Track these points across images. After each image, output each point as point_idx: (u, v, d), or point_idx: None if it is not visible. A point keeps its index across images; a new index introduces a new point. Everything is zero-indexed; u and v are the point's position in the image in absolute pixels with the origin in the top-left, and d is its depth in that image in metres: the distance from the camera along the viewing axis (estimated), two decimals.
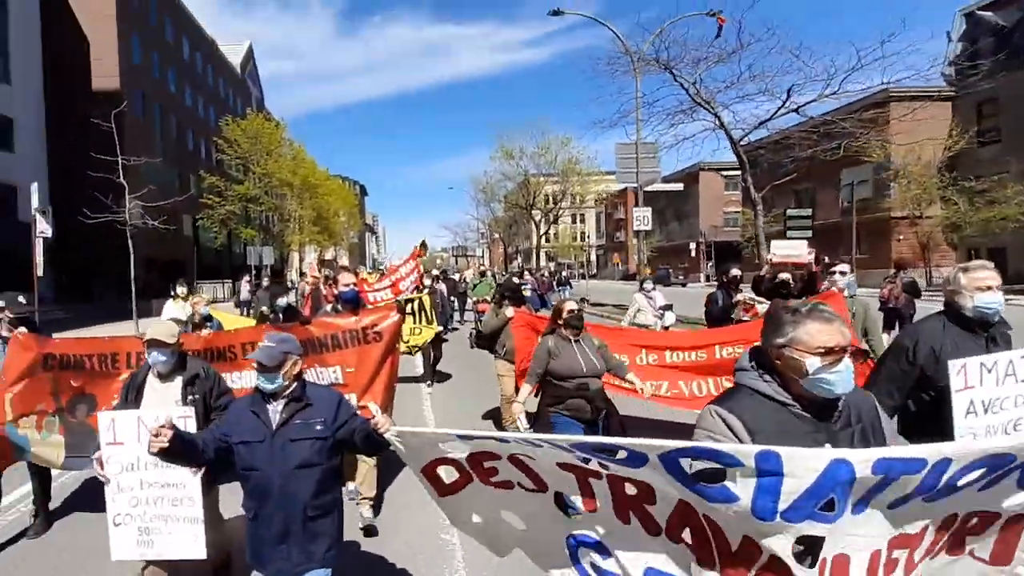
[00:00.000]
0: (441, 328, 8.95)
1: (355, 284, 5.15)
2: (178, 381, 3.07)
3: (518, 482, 1.83)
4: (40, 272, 14.22)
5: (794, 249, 6.66)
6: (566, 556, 1.80)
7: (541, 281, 19.47)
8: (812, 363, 1.51)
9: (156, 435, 2.04)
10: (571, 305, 4.02)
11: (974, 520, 1.48)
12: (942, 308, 2.67)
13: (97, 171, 17.67)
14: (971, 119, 24.20)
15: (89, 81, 28.42)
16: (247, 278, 10.54)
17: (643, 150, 16.45)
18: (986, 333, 2.55)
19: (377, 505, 4.21)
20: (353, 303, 4.64)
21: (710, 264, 43.31)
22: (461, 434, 1.82)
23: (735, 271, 6.64)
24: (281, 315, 6.69)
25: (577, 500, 1.74)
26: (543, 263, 42.44)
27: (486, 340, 5.95)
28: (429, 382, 8.56)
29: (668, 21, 15.92)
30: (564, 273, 29.75)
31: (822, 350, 1.51)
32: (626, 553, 1.66)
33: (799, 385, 1.56)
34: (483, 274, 15.69)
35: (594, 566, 1.72)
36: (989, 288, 2.48)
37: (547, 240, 63.52)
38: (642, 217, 16.28)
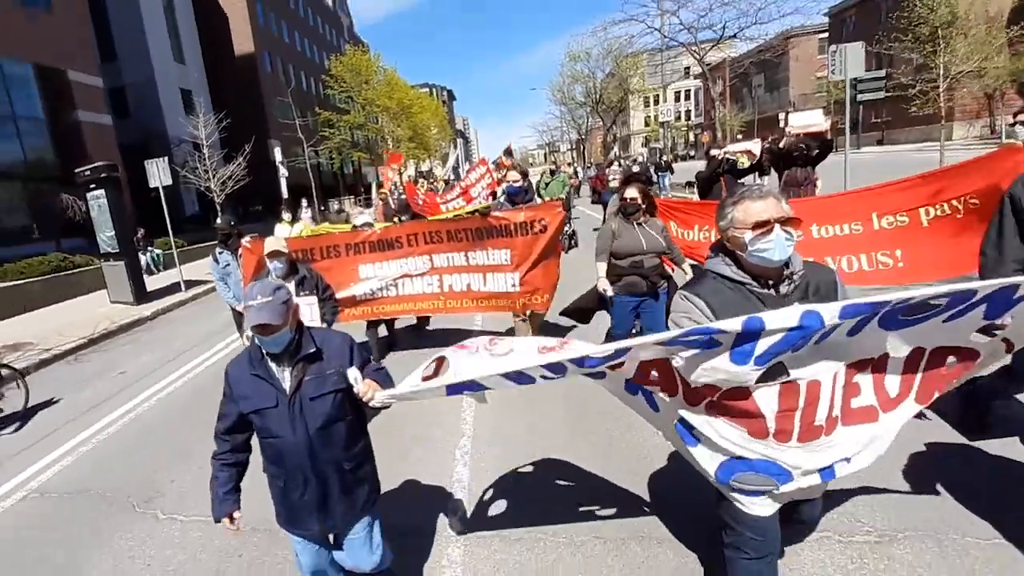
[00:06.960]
0: None
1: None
2: (291, 283, 3.74)
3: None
4: (286, 194, 22.34)
5: (811, 119, 8.13)
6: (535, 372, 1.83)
7: (602, 174, 17.05)
8: (747, 236, 1.65)
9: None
10: (631, 193, 4.10)
11: (936, 356, 1.65)
12: None
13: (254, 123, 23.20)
14: None
15: (232, 48, 35.52)
16: (305, 203, 12.59)
17: (666, 56, 20.40)
18: None
19: None
20: (518, 197, 5.52)
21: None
22: (451, 383, 1.90)
23: (715, 150, 8.39)
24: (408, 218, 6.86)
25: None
26: (614, 153, 43.07)
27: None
28: None
29: None
30: (665, 158, 24.74)
31: (753, 224, 1.64)
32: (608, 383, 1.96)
33: (749, 261, 1.69)
34: (553, 172, 13.56)
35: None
36: None
37: (645, 124, 63.32)
38: (666, 111, 20.77)
